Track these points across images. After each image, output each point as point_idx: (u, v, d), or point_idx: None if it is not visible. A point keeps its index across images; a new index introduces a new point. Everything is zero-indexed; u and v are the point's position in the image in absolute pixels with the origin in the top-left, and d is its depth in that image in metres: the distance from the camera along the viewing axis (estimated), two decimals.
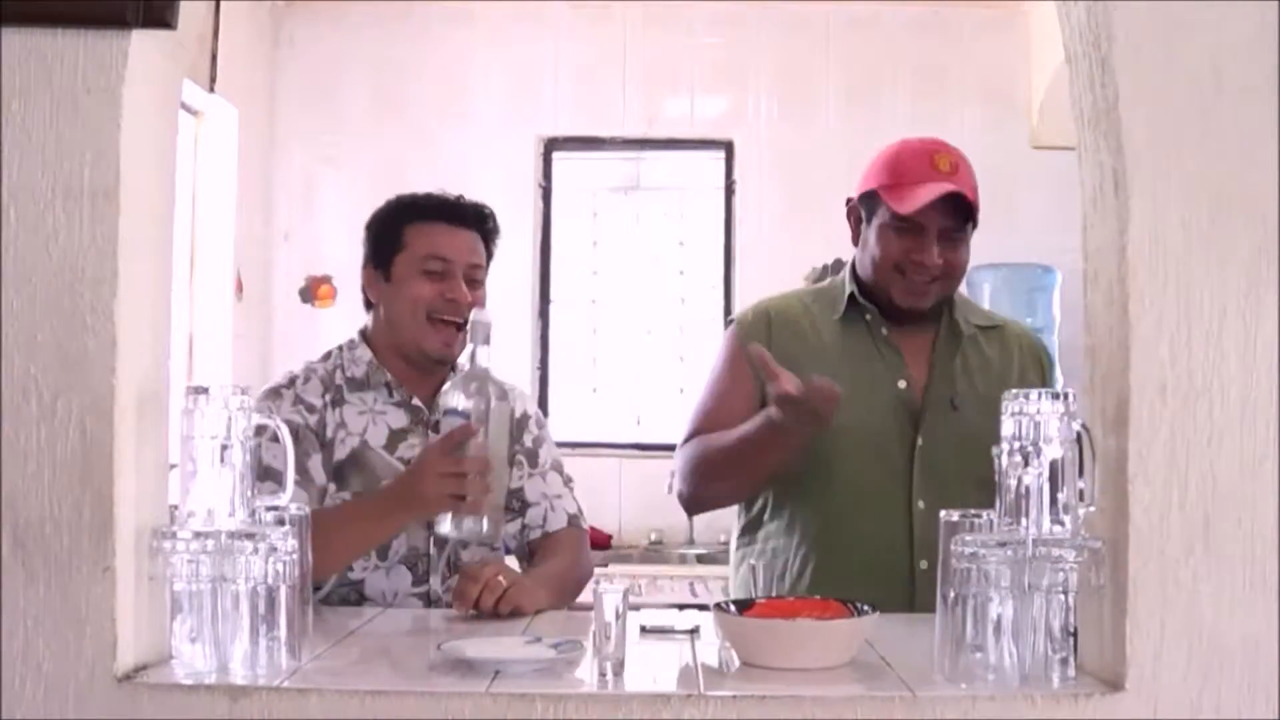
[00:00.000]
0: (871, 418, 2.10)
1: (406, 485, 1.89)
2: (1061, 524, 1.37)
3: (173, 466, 1.47)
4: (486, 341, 1.82)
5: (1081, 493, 1.40)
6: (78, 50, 1.40)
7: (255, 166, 4.78)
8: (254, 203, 4.68)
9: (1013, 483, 1.39)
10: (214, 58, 4.36)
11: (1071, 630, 1.38)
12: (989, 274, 4.73)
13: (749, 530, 2.22)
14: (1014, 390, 1.42)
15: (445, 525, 1.76)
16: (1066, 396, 1.40)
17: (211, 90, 4.40)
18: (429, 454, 1.86)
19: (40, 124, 1.40)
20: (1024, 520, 1.38)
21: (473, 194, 2.20)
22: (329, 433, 2.05)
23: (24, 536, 1.37)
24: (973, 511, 1.47)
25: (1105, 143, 1.41)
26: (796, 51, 5.03)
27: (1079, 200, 1.49)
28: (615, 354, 5.16)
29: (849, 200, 2.22)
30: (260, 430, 1.48)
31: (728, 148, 5.07)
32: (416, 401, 2.10)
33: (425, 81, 5.02)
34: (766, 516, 2.19)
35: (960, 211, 2.10)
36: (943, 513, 1.49)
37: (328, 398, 2.08)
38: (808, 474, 2.10)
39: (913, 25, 5.00)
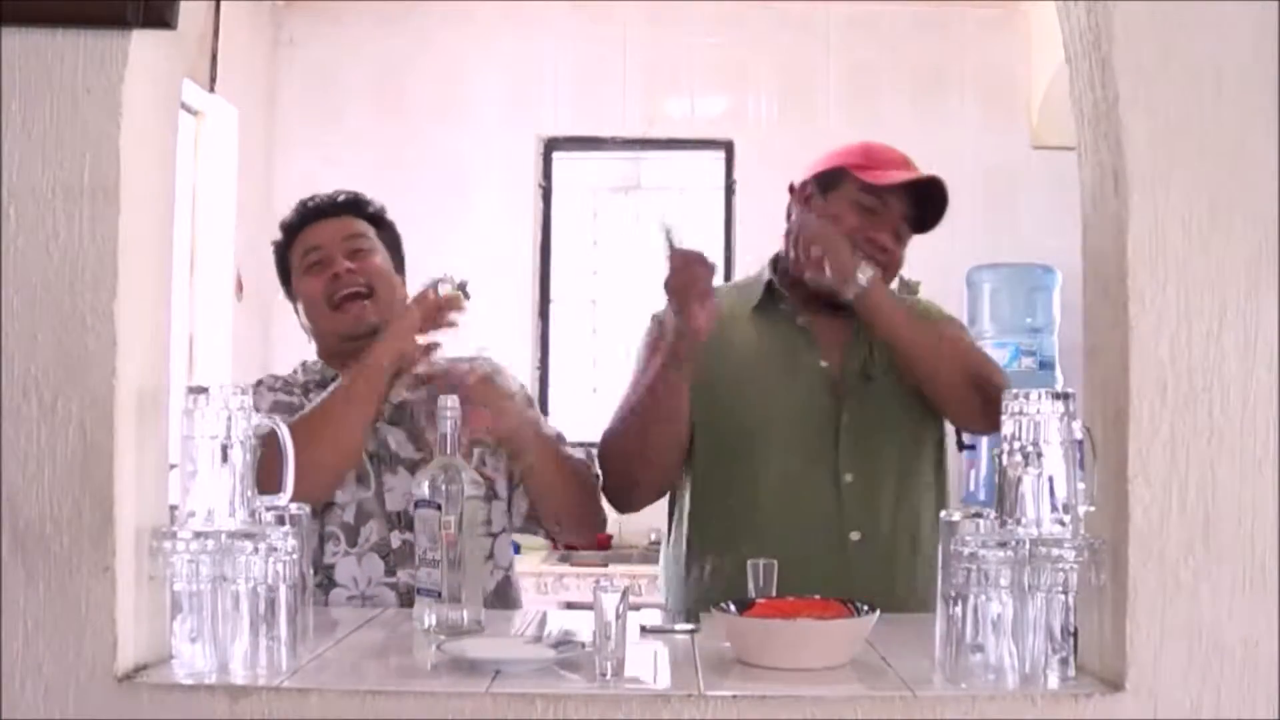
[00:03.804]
0: (794, 399, 2.12)
1: (376, 345, 1.99)
2: (1062, 524, 1.37)
3: (173, 466, 1.47)
4: (455, 428, 1.79)
5: (1081, 492, 1.40)
6: (78, 50, 1.40)
7: (255, 166, 4.79)
8: (254, 203, 4.68)
9: (1013, 483, 1.39)
10: (214, 58, 4.37)
11: (1071, 630, 1.38)
12: (989, 274, 4.74)
13: (675, 528, 2.22)
14: (1014, 390, 1.42)
15: (425, 616, 1.74)
16: (1066, 396, 1.40)
17: (211, 90, 4.40)
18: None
19: (40, 124, 1.40)
20: (1024, 520, 1.38)
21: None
22: None
23: (24, 536, 1.37)
24: (973, 511, 1.47)
25: (1105, 143, 1.41)
26: (796, 51, 5.03)
27: (1079, 200, 1.49)
28: (615, 354, 5.15)
29: (793, 185, 2.23)
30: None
31: (728, 148, 5.08)
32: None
33: (425, 82, 5.02)
34: (691, 512, 2.18)
35: (921, 208, 2.13)
36: (943, 513, 1.49)
37: (299, 390, 2.14)
38: (736, 465, 2.12)
39: (913, 25, 5.00)
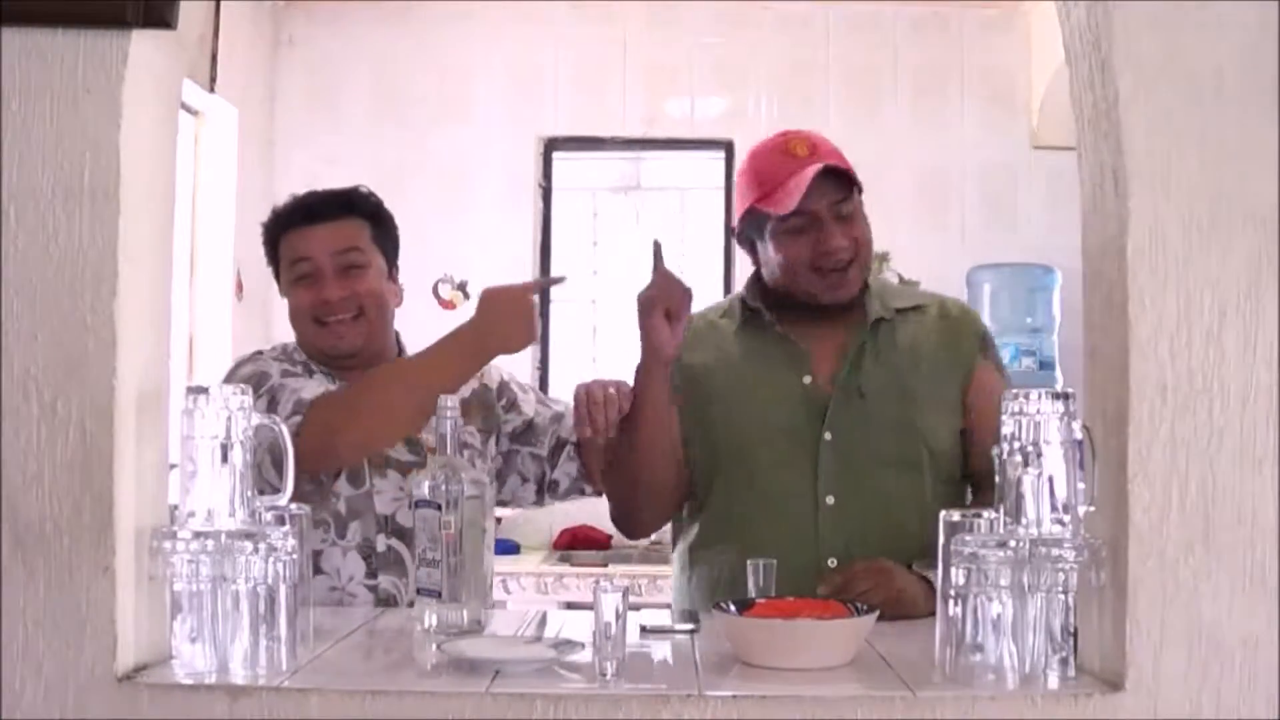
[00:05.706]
0: (777, 417, 2.06)
1: (485, 322, 1.94)
2: (1062, 524, 1.37)
3: (173, 466, 1.47)
4: (454, 429, 1.79)
5: (1081, 492, 1.40)
6: (78, 50, 1.40)
7: (255, 166, 4.79)
8: (254, 203, 4.67)
9: (1013, 483, 1.39)
10: (214, 58, 4.37)
11: (1071, 630, 1.38)
12: (989, 274, 4.74)
13: (681, 539, 2.20)
14: (1014, 390, 1.42)
15: (425, 616, 1.74)
16: (1067, 396, 1.40)
17: (211, 90, 4.40)
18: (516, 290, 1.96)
19: (40, 124, 1.40)
20: (1024, 520, 1.38)
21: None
22: (315, 388, 2.05)
23: (24, 536, 1.37)
24: (973, 511, 1.47)
25: (1105, 143, 1.41)
26: (796, 51, 5.03)
27: (1079, 200, 1.49)
28: (615, 354, 5.15)
29: (733, 230, 2.18)
30: (259, 430, 1.48)
31: (728, 148, 5.08)
32: None
33: (425, 81, 5.02)
34: (690, 522, 2.16)
35: (842, 184, 2.03)
36: (943, 513, 1.48)
37: (298, 369, 2.10)
38: (724, 480, 2.08)
39: (913, 25, 5.00)
